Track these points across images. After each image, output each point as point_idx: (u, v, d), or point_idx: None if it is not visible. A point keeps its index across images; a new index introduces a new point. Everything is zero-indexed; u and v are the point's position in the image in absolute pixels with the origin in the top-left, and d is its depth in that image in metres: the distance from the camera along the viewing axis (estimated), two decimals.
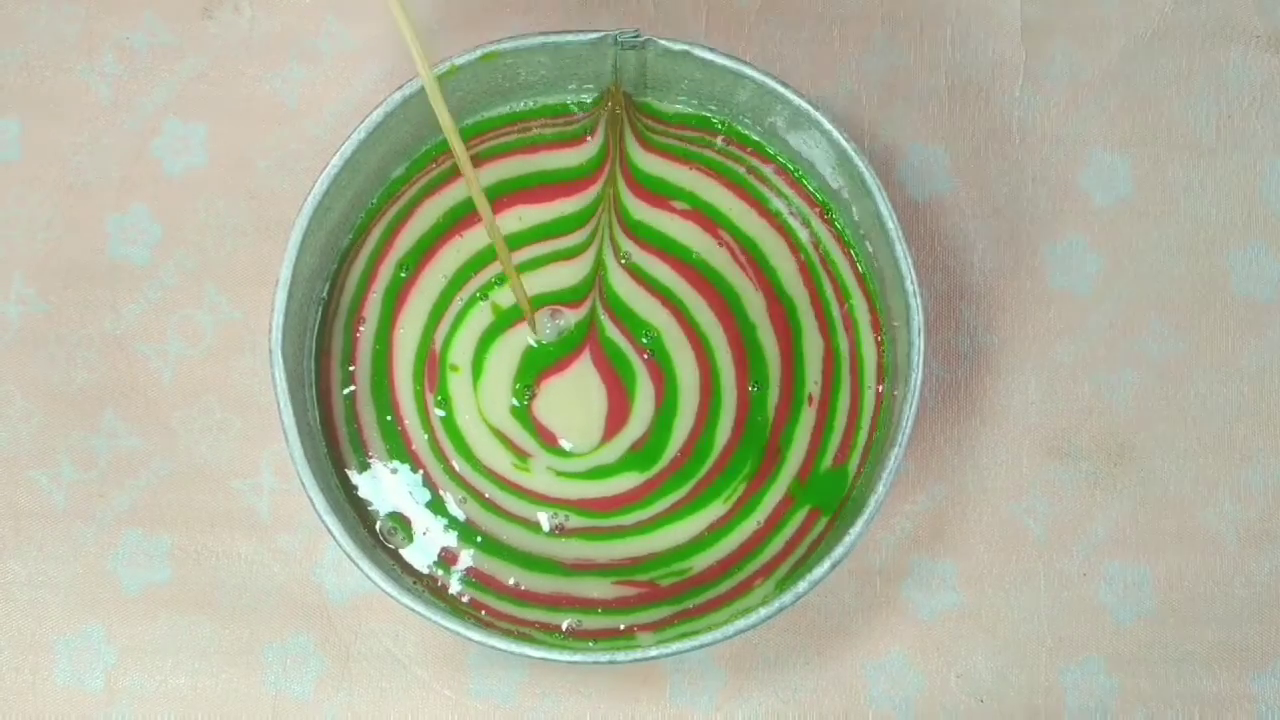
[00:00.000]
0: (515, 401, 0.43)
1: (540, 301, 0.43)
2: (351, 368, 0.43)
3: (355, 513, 0.42)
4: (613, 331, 0.43)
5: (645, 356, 0.43)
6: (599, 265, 0.44)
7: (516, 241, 0.44)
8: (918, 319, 0.40)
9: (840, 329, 0.44)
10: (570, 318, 0.43)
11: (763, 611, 0.39)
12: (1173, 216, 0.47)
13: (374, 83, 0.47)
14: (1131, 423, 0.46)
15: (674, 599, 0.42)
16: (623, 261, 0.44)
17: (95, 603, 0.45)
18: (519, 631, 0.41)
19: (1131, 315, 0.46)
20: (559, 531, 0.43)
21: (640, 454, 0.43)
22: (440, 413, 0.43)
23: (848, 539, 0.39)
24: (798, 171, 0.44)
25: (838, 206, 0.44)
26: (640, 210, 0.44)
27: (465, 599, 0.42)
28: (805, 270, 0.44)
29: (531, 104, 0.44)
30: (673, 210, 0.44)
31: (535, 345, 0.43)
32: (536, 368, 0.43)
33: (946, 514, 0.45)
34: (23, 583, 0.45)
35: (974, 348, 0.46)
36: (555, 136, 0.44)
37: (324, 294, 0.43)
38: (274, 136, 0.47)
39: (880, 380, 0.43)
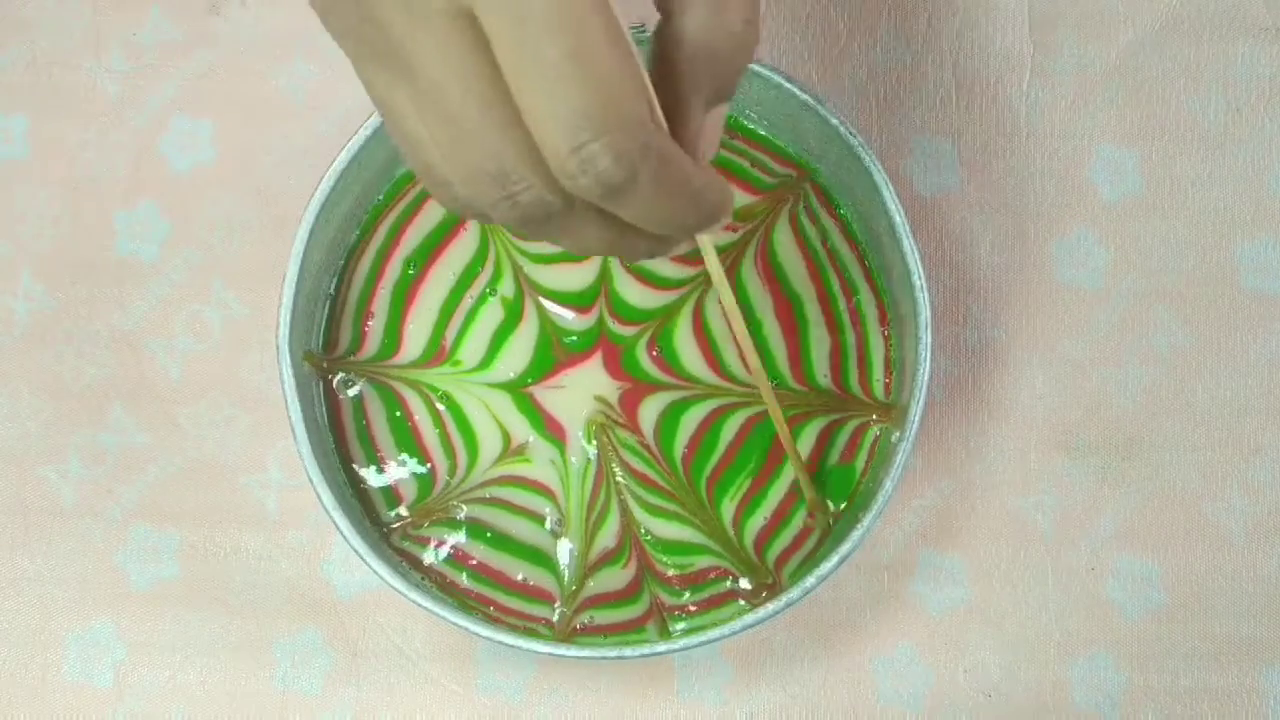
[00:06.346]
0: (526, 396, 0.43)
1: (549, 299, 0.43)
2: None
3: (363, 508, 0.42)
4: (622, 336, 0.43)
5: (654, 353, 0.43)
6: (605, 274, 0.43)
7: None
8: (925, 314, 0.40)
9: (847, 324, 0.43)
10: (579, 323, 0.43)
11: (770, 606, 0.39)
12: (1180, 210, 0.47)
13: None
14: (1139, 417, 0.46)
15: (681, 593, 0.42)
16: (628, 265, 0.44)
17: (104, 598, 0.45)
18: (526, 626, 0.41)
19: (1139, 309, 0.46)
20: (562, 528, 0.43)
21: (647, 448, 0.43)
22: (449, 408, 0.43)
23: (855, 534, 0.39)
24: (805, 166, 0.44)
25: (845, 201, 0.43)
26: None
27: (472, 594, 0.42)
28: (812, 265, 0.44)
29: None
30: None
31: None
32: (547, 365, 0.43)
33: (954, 509, 0.45)
34: (31, 578, 0.45)
35: (981, 342, 0.46)
36: None
37: (331, 290, 0.43)
38: (281, 132, 0.47)
39: (888, 375, 0.43)
